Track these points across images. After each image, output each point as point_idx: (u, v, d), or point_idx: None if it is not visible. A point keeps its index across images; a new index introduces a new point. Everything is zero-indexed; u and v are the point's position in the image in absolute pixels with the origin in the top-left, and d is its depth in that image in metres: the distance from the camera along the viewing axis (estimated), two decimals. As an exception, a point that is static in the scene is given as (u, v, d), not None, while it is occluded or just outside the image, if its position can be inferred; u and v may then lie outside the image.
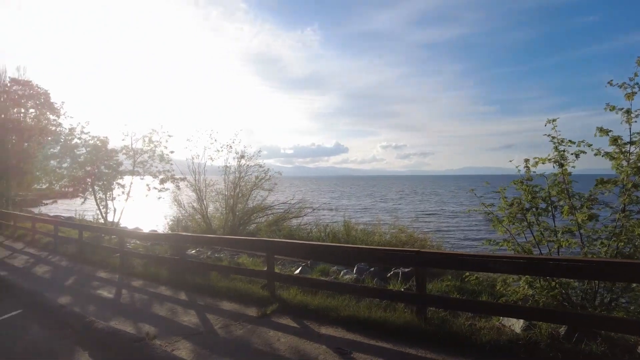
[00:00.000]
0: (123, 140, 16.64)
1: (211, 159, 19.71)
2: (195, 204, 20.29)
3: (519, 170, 8.14)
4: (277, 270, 7.63)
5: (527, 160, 8.03)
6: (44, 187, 31.42)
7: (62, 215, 27.49)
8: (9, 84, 25.05)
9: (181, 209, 20.90)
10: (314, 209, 21.18)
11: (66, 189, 16.66)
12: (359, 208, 43.01)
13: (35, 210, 34.61)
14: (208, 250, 12.28)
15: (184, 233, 9.53)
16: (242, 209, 20.55)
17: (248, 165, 19.98)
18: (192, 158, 19.30)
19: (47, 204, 47.67)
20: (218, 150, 19.44)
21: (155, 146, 16.72)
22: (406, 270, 8.06)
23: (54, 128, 23.59)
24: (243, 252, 10.71)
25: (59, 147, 16.66)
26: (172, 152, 17.22)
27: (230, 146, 19.53)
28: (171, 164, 17.36)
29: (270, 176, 20.09)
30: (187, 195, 20.55)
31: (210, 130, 19.30)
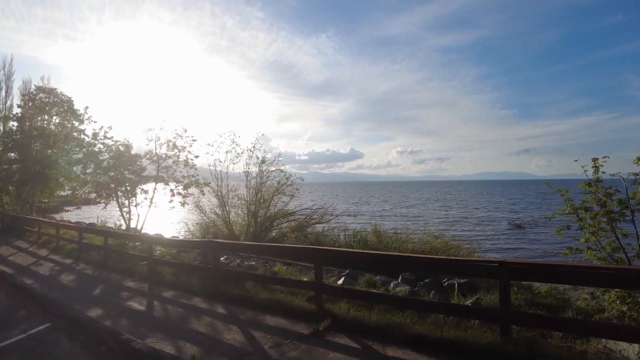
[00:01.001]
0: (147, 145, 16.19)
1: (233, 163, 19.17)
2: (217, 210, 19.73)
3: (586, 172, 7.31)
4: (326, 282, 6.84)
5: (595, 160, 7.20)
6: (67, 193, 31.30)
7: (84, 222, 27.19)
8: (34, 92, 24.87)
9: (202, 215, 20.37)
10: (336, 215, 20.40)
11: (90, 195, 16.18)
12: (380, 214, 41.92)
13: (57, 216, 34.50)
14: (236, 258, 11.62)
15: (219, 240, 8.76)
16: (264, 214, 19.92)
17: (269, 170, 19.39)
18: (215, 163, 18.77)
19: (68, 210, 47.78)
20: (239, 155, 18.90)
21: (180, 151, 16.19)
22: (462, 281, 7.26)
23: (77, 134, 23.32)
24: (277, 260, 9.98)
25: (82, 153, 16.24)
26: (196, 156, 16.71)
27: (252, 151, 18.98)
28: (195, 169, 16.82)
29: (292, 181, 19.42)
30: (208, 202, 20.00)
31: (233, 135, 18.78)
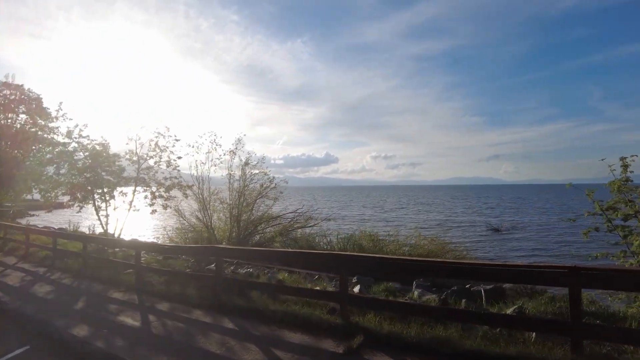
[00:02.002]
0: (127, 144, 14.94)
1: (214, 165, 18.20)
2: (198, 214, 18.65)
3: (613, 170, 6.91)
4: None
5: (623, 159, 6.81)
6: (38, 196, 29.19)
7: (53, 227, 25.31)
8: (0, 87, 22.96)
9: (182, 219, 19.22)
10: (323, 219, 19.65)
11: (63, 198, 14.81)
12: (362, 219, 41.23)
13: (23, 221, 32.14)
14: (229, 265, 10.70)
15: (223, 246, 7.83)
16: (247, 219, 19.00)
17: (252, 173, 18.52)
18: (196, 164, 17.73)
19: (34, 214, 44.91)
20: (221, 156, 17.96)
21: (162, 151, 15.04)
22: (488, 287, 6.69)
23: (45, 135, 21.63)
24: (282, 268, 9.10)
25: (56, 152, 14.85)
26: (179, 157, 15.57)
27: (234, 152, 18.05)
28: (178, 170, 15.69)
29: (275, 184, 18.59)
30: (188, 206, 18.89)
31: (214, 135, 17.79)
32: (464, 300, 5.98)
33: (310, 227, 18.81)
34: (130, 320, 6.27)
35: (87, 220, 23.79)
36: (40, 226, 23.04)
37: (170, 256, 11.28)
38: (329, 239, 16.00)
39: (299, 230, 18.68)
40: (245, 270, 9.32)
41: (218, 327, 5.76)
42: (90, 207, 15.24)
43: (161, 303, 7.17)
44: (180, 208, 18.35)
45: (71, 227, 20.97)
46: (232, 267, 10.28)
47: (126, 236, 17.76)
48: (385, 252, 13.07)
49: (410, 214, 51.56)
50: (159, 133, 14.99)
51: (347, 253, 6.35)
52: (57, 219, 40.22)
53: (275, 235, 18.70)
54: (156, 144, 14.90)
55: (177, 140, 15.40)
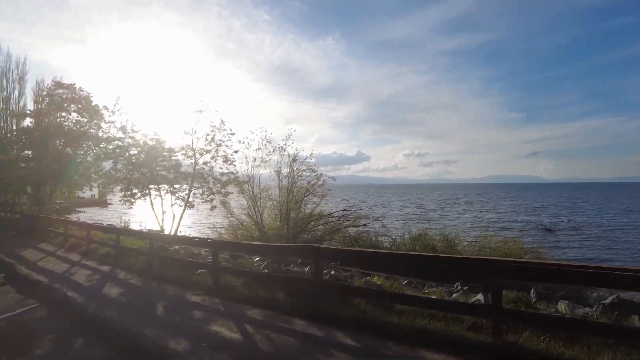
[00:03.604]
0: (183, 138, 14.24)
1: (263, 162, 17.43)
2: (250, 211, 17.91)
3: None
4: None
5: None
6: (88, 193, 29.27)
7: (102, 223, 25.19)
8: (52, 87, 22.89)
9: (230, 216, 18.54)
10: (375, 219, 18.54)
11: (118, 194, 14.28)
12: (408, 217, 39.46)
13: (73, 217, 32.41)
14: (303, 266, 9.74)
15: (324, 246, 6.78)
16: (295, 216, 18.15)
17: (300, 169, 17.61)
18: (246, 160, 17.02)
19: (81, 211, 45.69)
20: (270, 153, 17.18)
21: (218, 145, 14.29)
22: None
23: (94, 131, 21.39)
24: (368, 272, 8.04)
25: (111, 148, 14.33)
26: (235, 151, 14.80)
27: (284, 148, 17.20)
28: (234, 165, 14.94)
29: (323, 181, 17.61)
30: (236, 202, 18.18)
31: (264, 132, 17.01)
32: (636, 317, 4.76)
33: (362, 225, 17.81)
34: (226, 331, 5.34)
35: (136, 216, 23.55)
36: (89, 222, 22.86)
37: (240, 255, 10.44)
38: (392, 238, 14.87)
39: (349, 229, 17.75)
40: (331, 273, 8.31)
41: (337, 344, 4.75)
42: (140, 203, 14.73)
43: (250, 310, 6.23)
44: (229, 205, 17.69)
45: (122, 224, 20.60)
46: (306, 269, 9.33)
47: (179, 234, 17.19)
48: (459, 253, 11.89)
49: (455, 214, 48.96)
50: (214, 127, 14.27)
51: (497, 258, 5.16)
52: (104, 216, 40.63)
53: (326, 233, 17.82)
54: (212, 138, 14.19)
55: (232, 134, 14.67)
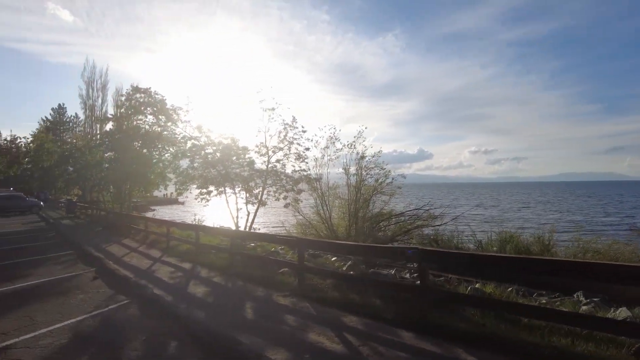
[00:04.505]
0: (257, 136, 14.06)
1: (331, 159, 16.89)
2: (319, 209, 17.47)
3: None
4: None
5: None
6: (166, 191, 30.62)
7: (175, 220, 26.07)
8: (131, 92, 24.07)
9: (297, 214, 18.22)
10: (453, 218, 17.28)
11: (194, 191, 14.41)
12: (485, 218, 36.90)
13: (149, 214, 34.12)
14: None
15: (428, 248, 5.95)
16: (364, 215, 17.39)
17: (369, 167, 16.81)
18: (315, 158, 16.60)
19: (154, 209, 48.26)
20: (339, 150, 16.59)
21: (290, 143, 13.95)
22: None
23: (167, 133, 22.15)
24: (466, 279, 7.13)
25: (188, 146, 14.52)
26: (307, 149, 14.39)
27: (353, 145, 16.50)
28: (306, 163, 14.54)
29: (392, 179, 16.66)
30: (304, 201, 17.79)
31: (333, 129, 16.46)
32: None
33: (438, 225, 16.68)
34: (327, 341, 4.74)
35: (208, 214, 24.03)
36: (168, 220, 23.73)
37: (319, 254, 9.94)
38: (477, 240, 13.63)
39: (423, 229, 16.73)
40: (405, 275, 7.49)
41: (464, 365, 3.97)
42: (211, 202, 14.76)
43: (346, 316, 5.60)
44: (297, 204, 17.38)
45: (196, 221, 21.07)
46: (392, 271, 8.56)
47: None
48: (557, 257, 10.49)
49: (532, 214, 44.94)
50: (286, 124, 13.95)
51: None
52: (177, 214, 42.45)
53: (398, 233, 16.94)
54: (285, 136, 13.88)
55: (303, 131, 14.25)
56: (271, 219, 27.63)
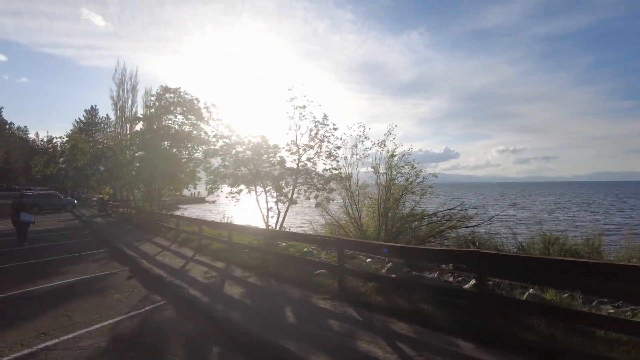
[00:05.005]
0: (287, 134, 13.77)
1: (359, 158, 16.51)
2: (348, 209, 17.10)
3: None
4: None
5: None
6: (195, 190, 30.89)
7: (207, 218, 26.13)
8: (161, 92, 24.29)
9: (325, 213, 17.90)
10: (489, 219, 16.56)
11: (229, 189, 14.24)
12: (517, 219, 35.30)
13: (177, 213, 34.43)
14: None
15: (489, 251, 5.45)
16: (393, 215, 16.89)
17: (399, 165, 16.31)
18: (344, 157, 16.27)
19: (182, 208, 48.87)
20: (368, 149, 16.19)
21: (321, 141, 13.60)
22: None
23: (196, 133, 22.24)
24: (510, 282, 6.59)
25: (220, 144, 14.39)
26: (338, 147, 14.00)
27: (383, 143, 16.03)
28: (337, 161, 14.17)
29: (423, 178, 16.09)
30: (333, 200, 17.43)
31: (362, 127, 16.06)
32: None
33: (472, 226, 16.02)
34: (379, 351, 4.36)
35: (235, 213, 23.96)
36: (200, 218, 23.81)
37: (354, 255, 9.56)
38: (519, 242, 12.93)
39: (457, 230, 16.13)
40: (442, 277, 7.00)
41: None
42: (239, 201, 14.58)
43: (394, 323, 5.20)
44: (324, 203, 17.04)
45: (225, 219, 21.02)
46: (435, 274, 8.08)
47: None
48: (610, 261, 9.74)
49: (568, 215, 42.62)
50: (317, 122, 13.58)
51: None
52: (205, 212, 42.83)
53: (430, 234, 16.39)
54: (316, 134, 13.52)
55: (335, 129, 13.86)
56: (296, 218, 27.44)
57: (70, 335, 5.09)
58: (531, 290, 6.01)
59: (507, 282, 6.41)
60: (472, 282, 6.94)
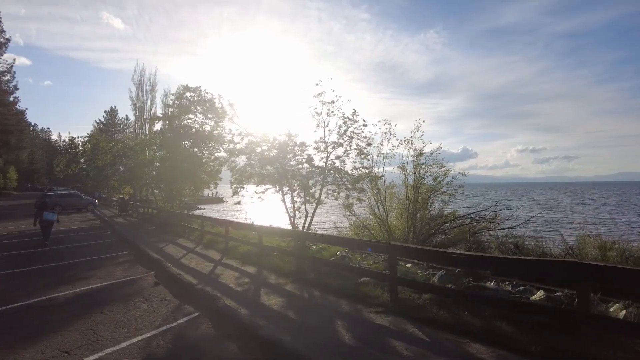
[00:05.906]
0: (315, 131, 13.02)
1: (385, 158, 15.61)
2: (375, 210, 16.27)
3: None
4: None
5: None
6: (215, 190, 30.41)
7: (233, 219, 25.56)
8: (182, 91, 23.83)
9: (350, 214, 17.07)
10: (525, 221, 15.50)
11: (258, 187, 13.60)
12: (552, 219, 33.61)
13: (196, 213, 34.02)
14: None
15: (594, 263, 4.52)
16: (422, 216, 16.00)
17: (427, 164, 15.39)
18: (370, 155, 15.42)
19: (202, 208, 48.61)
20: (394, 147, 15.32)
21: (351, 138, 12.82)
22: None
23: (217, 132, 21.70)
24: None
25: (245, 142, 13.72)
26: (369, 144, 13.20)
27: (411, 141, 15.11)
28: (368, 160, 13.37)
29: (453, 177, 15.15)
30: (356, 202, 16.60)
31: (389, 124, 15.16)
32: None
33: (507, 228, 15.01)
34: (467, 384, 3.55)
35: (256, 214, 23.34)
36: (227, 219, 23.25)
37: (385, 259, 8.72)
38: (568, 246, 11.92)
39: (490, 232, 15.17)
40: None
41: None
42: (261, 202, 13.93)
43: (470, 345, 4.38)
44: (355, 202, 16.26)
45: (248, 220, 20.41)
46: (469, 279, 7.20)
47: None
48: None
49: (600, 216, 40.66)
50: (347, 118, 12.80)
51: None
52: (224, 213, 42.42)
53: (461, 237, 15.44)
54: (345, 131, 12.75)
55: (364, 125, 13.06)
56: (321, 219, 26.64)
57: (96, 356, 4.41)
58: (630, 309, 5.11)
59: (598, 297, 5.47)
60: (540, 293, 6.07)
